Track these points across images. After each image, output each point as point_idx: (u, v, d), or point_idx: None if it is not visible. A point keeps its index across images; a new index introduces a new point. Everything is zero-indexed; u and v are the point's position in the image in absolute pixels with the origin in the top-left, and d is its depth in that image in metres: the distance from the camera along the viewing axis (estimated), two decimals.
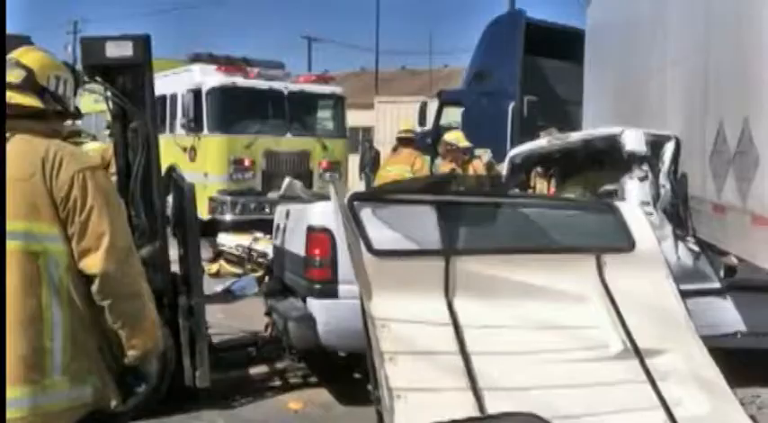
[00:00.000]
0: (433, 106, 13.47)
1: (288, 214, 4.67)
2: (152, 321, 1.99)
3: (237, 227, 9.57)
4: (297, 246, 4.23)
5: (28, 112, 1.96)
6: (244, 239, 7.93)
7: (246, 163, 10.61)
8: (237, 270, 7.83)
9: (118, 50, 3.99)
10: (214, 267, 8.10)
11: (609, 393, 3.48)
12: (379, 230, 3.73)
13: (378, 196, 3.91)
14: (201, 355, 4.02)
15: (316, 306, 3.88)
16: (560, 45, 11.05)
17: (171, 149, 11.66)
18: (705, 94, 4.23)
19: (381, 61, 38.21)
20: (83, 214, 1.87)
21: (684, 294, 4.08)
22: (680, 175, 4.63)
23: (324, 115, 11.84)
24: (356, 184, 15.58)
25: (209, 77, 10.77)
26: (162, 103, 12.24)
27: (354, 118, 25.93)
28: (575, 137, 5.23)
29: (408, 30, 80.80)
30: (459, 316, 3.67)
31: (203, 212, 10.65)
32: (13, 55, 2.03)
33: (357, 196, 3.80)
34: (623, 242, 3.98)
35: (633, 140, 4.52)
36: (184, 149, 11.26)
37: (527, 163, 5.68)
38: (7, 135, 1.91)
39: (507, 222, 4.05)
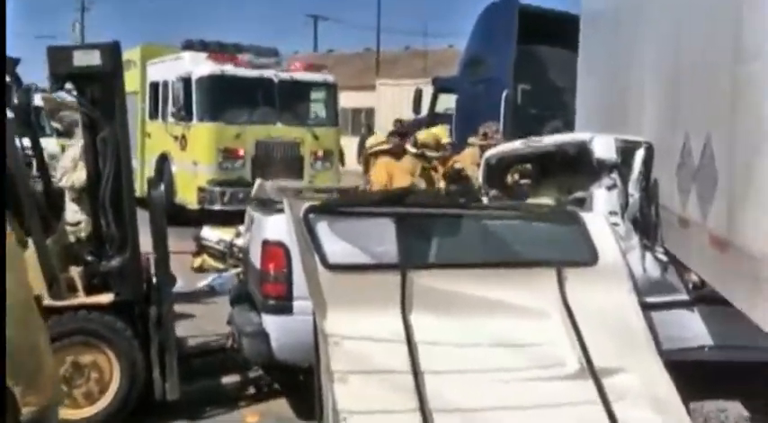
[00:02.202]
0: (428, 92, 13.33)
1: (252, 221, 4.62)
2: (49, 377, 1.92)
3: (226, 218, 9.55)
4: (255, 257, 4.18)
5: None
6: (226, 234, 7.90)
7: (236, 152, 10.55)
8: (220, 265, 7.81)
9: (85, 59, 3.97)
10: (197, 261, 8.08)
11: (560, 414, 3.42)
12: (335, 244, 3.66)
13: (334, 208, 3.83)
14: (171, 367, 4.01)
15: (269, 322, 3.84)
16: (556, 31, 10.84)
17: (164, 137, 11.65)
18: (675, 101, 4.11)
19: (386, 41, 37.85)
20: None
21: (651, 307, 4.00)
22: (651, 183, 4.53)
23: (315, 104, 11.74)
24: (353, 168, 15.42)
25: (199, 66, 10.68)
26: (155, 91, 12.22)
27: (357, 99, 25.82)
28: (547, 141, 5.12)
29: (414, 8, 79.79)
30: (415, 332, 3.60)
31: (193, 202, 10.65)
32: None
33: (312, 208, 3.73)
34: (586, 255, 3.88)
35: (602, 148, 4.41)
36: (176, 138, 11.22)
37: (502, 164, 5.58)
38: None
39: (467, 235, 3.96)
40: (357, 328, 3.54)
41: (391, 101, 24.05)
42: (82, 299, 4.03)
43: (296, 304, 3.80)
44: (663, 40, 4.52)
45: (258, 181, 5.36)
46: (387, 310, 3.62)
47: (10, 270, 1.86)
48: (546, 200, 5.25)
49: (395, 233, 3.78)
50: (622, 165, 4.43)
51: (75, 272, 4.12)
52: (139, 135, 12.78)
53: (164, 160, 11.68)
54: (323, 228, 3.68)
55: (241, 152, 10.61)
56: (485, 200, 5.62)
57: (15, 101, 4.44)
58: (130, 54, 13.38)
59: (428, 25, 72.66)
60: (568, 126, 10.58)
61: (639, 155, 4.42)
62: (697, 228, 3.47)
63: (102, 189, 4.09)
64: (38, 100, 13.80)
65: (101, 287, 4.14)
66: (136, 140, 12.58)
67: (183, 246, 8.36)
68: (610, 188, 4.30)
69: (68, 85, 4.20)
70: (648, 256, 4.25)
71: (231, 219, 9.40)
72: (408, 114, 15.81)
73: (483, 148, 6.82)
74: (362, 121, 26.73)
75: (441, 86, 12.72)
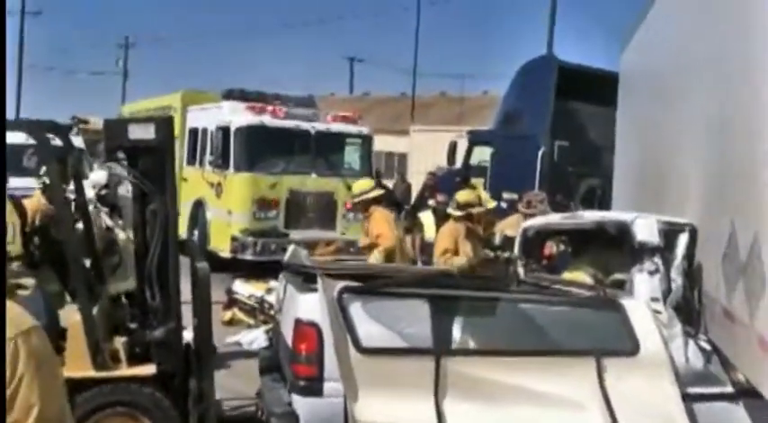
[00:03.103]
0: (462, 142, 13.34)
1: (285, 290, 4.59)
2: None
3: (257, 268, 9.56)
4: (287, 332, 4.13)
5: None
6: (258, 289, 7.88)
7: (270, 203, 10.61)
8: (250, 320, 7.78)
9: (140, 132, 4.07)
10: (228, 315, 8.06)
11: None
12: (369, 326, 3.61)
13: (368, 289, 3.79)
14: None
15: (299, 403, 3.77)
16: (595, 89, 10.83)
17: (200, 183, 11.79)
18: (722, 187, 4.01)
19: (422, 84, 38.10)
20: (11, 385, 1.77)
21: (694, 398, 3.86)
22: (695, 266, 4.40)
23: (350, 155, 11.80)
24: None
25: (238, 116, 10.83)
26: (194, 137, 12.42)
27: (390, 144, 25.97)
28: (588, 218, 5.04)
29: (451, 52, 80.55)
30: (448, 421, 3.53)
31: (225, 250, 10.69)
32: None
33: (347, 289, 3.69)
34: (627, 345, 3.78)
35: (645, 230, 4.31)
36: (212, 185, 11.35)
37: (540, 236, 5.50)
38: None
39: (503, 319, 3.89)
40: (388, 415, 3.48)
41: (425, 147, 24.13)
42: (125, 370, 4.06)
43: (327, 386, 3.74)
44: (710, 118, 4.42)
45: (292, 247, 5.34)
46: (419, 396, 3.55)
47: (51, 383, 1.84)
48: (581, 275, 5.15)
49: (429, 316, 3.73)
50: (665, 248, 4.32)
51: (119, 343, 4.16)
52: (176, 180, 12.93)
53: (199, 206, 11.81)
54: (356, 309, 3.64)
55: (275, 202, 10.67)
56: (519, 270, 5.53)
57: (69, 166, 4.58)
58: (171, 99, 13.69)
59: (465, 69, 73.04)
60: (605, 184, 10.50)
61: (683, 238, 4.31)
62: (743, 326, 3.34)
63: (150, 260, 4.13)
64: (78, 141, 14.15)
65: (142, 357, 4.16)
66: None
67: (214, 295, 8.37)
68: (652, 273, 4.19)
69: (121, 155, 4.29)
70: (691, 344, 4.11)
71: (263, 270, 9.44)
72: (441, 161, 15.83)
73: (526, 217, 6.72)
74: (395, 165, 26.80)
75: (476, 139, 12.73)
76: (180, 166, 12.94)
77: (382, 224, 6.21)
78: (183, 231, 12.37)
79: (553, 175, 10.75)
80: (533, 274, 5.24)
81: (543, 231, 5.43)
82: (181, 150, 12.97)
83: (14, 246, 4.21)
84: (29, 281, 3.89)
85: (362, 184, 6.78)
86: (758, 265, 3.14)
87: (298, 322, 3.84)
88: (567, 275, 5.26)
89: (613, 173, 9.47)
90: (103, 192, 6.13)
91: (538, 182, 10.61)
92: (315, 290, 3.82)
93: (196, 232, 11.67)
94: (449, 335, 3.73)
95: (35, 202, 6.00)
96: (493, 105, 25.54)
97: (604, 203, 10.33)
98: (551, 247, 5.90)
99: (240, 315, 7.96)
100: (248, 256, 10.21)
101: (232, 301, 8.11)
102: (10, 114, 28.64)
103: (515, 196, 10.77)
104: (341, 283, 3.71)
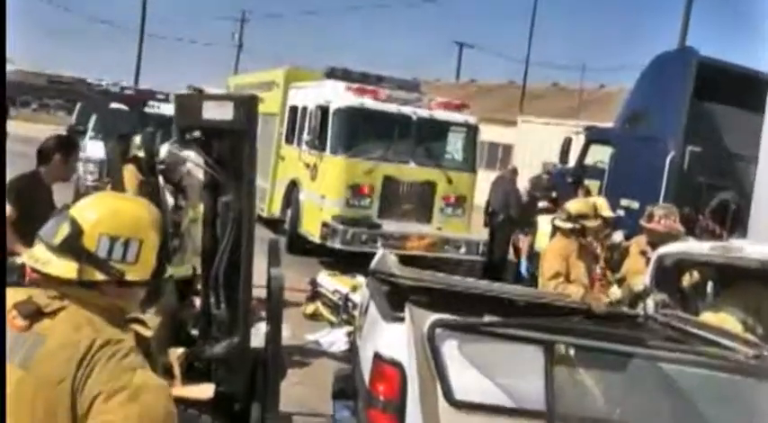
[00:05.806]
0: (578, 141, 12.22)
1: (368, 307, 3.90)
2: None
3: (344, 256, 9.02)
4: (365, 360, 3.45)
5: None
6: (343, 285, 7.29)
7: (364, 190, 9.98)
8: (332, 318, 7.20)
9: (217, 112, 3.40)
10: (310, 308, 7.55)
11: None
12: (465, 373, 2.89)
13: (469, 325, 3.04)
14: None
15: None
16: (737, 90, 9.50)
17: (296, 163, 11.38)
18: None
19: (532, 74, 36.38)
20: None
21: None
22: None
23: (453, 145, 10.98)
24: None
25: (338, 97, 10.26)
26: (293, 115, 12.01)
27: (495, 134, 24.86)
28: (751, 253, 4.01)
29: (567, 42, 77.31)
30: None
31: (315, 235, 10.18)
32: (77, 205, 1.71)
33: (440, 323, 2.96)
34: None
35: None
36: (307, 166, 10.89)
37: (679, 267, 4.53)
38: (63, 304, 1.62)
39: (640, 381, 3.04)
40: None
41: (533, 139, 22.94)
42: (179, 389, 3.46)
43: None
44: None
45: (381, 251, 4.65)
46: None
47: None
48: (730, 319, 4.17)
49: (545, 366, 2.94)
50: None
51: (174, 355, 3.58)
52: (274, 157, 12.63)
53: (293, 187, 11.39)
54: (451, 349, 2.91)
55: (370, 190, 10.03)
56: (649, 303, 4.60)
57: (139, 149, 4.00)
58: (274, 75, 13.33)
59: (580, 60, 69.37)
60: (741, 200, 9.20)
61: None
62: None
63: (218, 261, 3.52)
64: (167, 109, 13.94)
65: (199, 372, 3.59)
66: (270, 162, 12.44)
67: (300, 283, 7.83)
68: None
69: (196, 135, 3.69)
70: None
71: (351, 258, 8.91)
72: (549, 156, 14.68)
73: (649, 233, 5.71)
74: (499, 157, 25.75)
75: (594, 137, 11.58)
76: (278, 144, 12.58)
77: None
78: (276, 210, 12.07)
79: (681, 185, 9.52)
80: (667, 312, 4.30)
81: (684, 262, 4.47)
82: (280, 128, 12.60)
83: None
84: None
85: None
86: None
87: (377, 357, 3.14)
88: (709, 317, 4.29)
89: (753, 188, 8.22)
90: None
91: (663, 191, 9.43)
92: (401, 318, 3.11)
93: (289, 212, 11.27)
94: (568, 394, 2.93)
95: (129, 175, 5.49)
96: (609, 100, 23.90)
97: (738, 221, 9.07)
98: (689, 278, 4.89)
99: (323, 310, 7.42)
100: (338, 244, 9.66)
101: (315, 294, 7.58)
102: (129, 80, 29.71)
103: (636, 205, 9.64)
104: (433, 316, 2.98)
